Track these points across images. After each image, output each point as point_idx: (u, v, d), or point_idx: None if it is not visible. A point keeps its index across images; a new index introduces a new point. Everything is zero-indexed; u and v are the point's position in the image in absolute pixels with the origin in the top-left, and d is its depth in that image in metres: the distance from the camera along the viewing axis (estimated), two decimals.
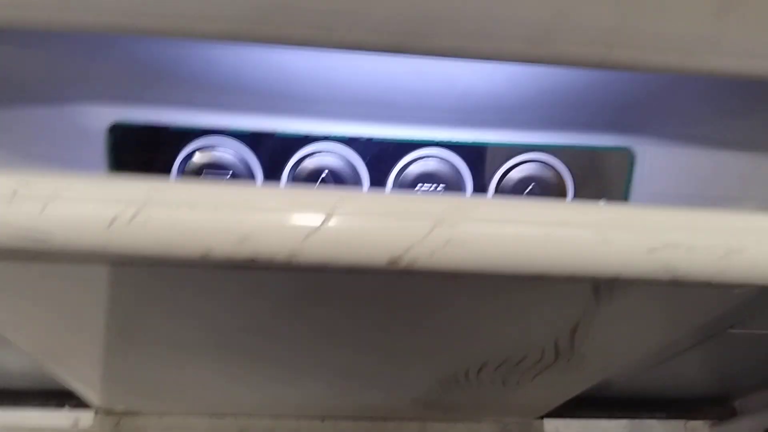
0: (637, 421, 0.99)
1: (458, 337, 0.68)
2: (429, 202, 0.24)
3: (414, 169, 0.42)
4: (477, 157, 0.42)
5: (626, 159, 0.43)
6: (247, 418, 0.87)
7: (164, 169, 0.40)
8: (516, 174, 0.43)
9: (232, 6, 0.26)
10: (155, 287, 0.35)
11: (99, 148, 0.40)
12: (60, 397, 0.78)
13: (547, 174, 0.43)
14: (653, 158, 0.43)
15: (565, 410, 0.93)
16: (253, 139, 0.40)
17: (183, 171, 0.40)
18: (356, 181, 0.42)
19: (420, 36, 0.27)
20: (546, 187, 0.43)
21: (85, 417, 0.77)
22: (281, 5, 0.26)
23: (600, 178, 0.43)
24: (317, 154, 0.41)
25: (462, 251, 0.24)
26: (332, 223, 0.24)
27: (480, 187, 0.43)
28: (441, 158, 0.42)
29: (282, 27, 0.26)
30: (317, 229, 0.24)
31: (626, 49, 0.28)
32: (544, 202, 0.25)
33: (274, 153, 0.41)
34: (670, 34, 0.26)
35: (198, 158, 0.40)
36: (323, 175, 0.41)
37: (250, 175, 0.41)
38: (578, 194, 0.44)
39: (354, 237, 0.24)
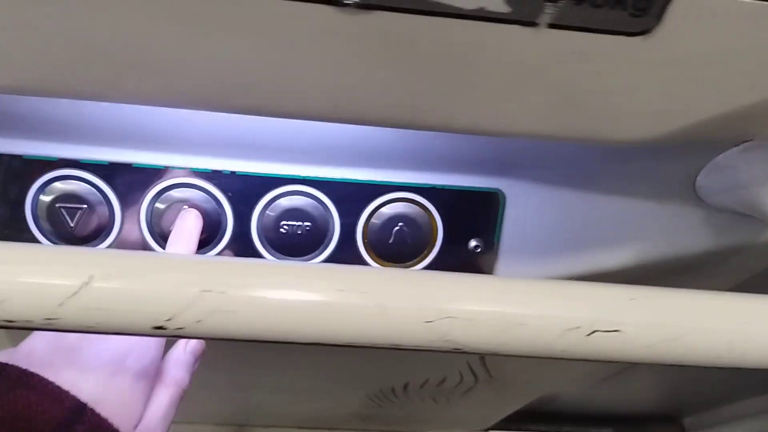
0: None
1: (366, 363, 0.68)
2: (195, 265, 0.24)
3: (279, 206, 0.41)
4: (344, 194, 0.42)
5: (497, 200, 0.43)
6: (189, 425, 0.86)
7: (18, 200, 0.39)
8: (384, 213, 0.42)
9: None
10: None
11: None
12: None
13: (417, 213, 0.42)
14: (524, 200, 0.43)
15: (512, 423, 0.93)
16: (109, 171, 0.39)
17: (37, 203, 0.39)
18: (219, 215, 0.41)
19: (234, 97, 0.27)
20: (415, 227, 0.43)
21: None
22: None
23: (470, 218, 0.43)
24: (177, 188, 0.40)
25: (229, 319, 0.23)
26: (93, 286, 0.23)
27: (348, 225, 0.42)
28: (307, 195, 0.41)
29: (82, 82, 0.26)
30: (75, 293, 0.23)
31: (431, 113, 0.27)
32: (322, 267, 0.25)
33: (131, 185, 0.40)
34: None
35: (52, 190, 0.39)
36: (183, 209, 0.41)
37: (108, 208, 0.40)
38: (448, 234, 0.43)
39: (116, 303, 0.23)
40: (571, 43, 0.24)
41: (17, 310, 0.22)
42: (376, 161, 0.41)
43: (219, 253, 0.42)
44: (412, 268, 0.25)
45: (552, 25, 0.24)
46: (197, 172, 0.40)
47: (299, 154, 0.41)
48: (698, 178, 0.40)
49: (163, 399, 0.35)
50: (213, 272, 0.24)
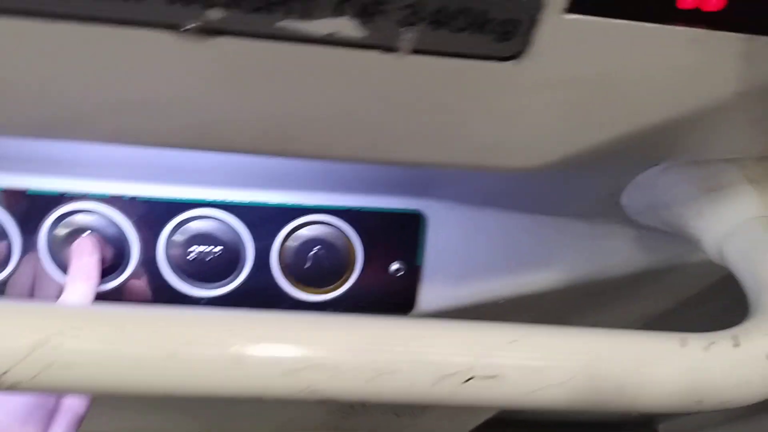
0: None
1: None
2: (33, 319, 0.22)
3: (186, 231, 0.39)
4: (256, 218, 0.40)
5: (418, 222, 0.41)
6: None
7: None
8: (300, 236, 0.40)
9: None
10: None
11: None
12: None
13: (334, 236, 0.41)
14: (446, 221, 0.41)
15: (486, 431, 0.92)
16: (3, 198, 0.37)
17: None
18: (123, 242, 0.39)
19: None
20: (332, 250, 0.41)
21: None
22: None
23: (391, 240, 0.41)
24: (78, 214, 0.38)
25: (69, 374, 0.21)
26: None
27: (262, 250, 0.40)
28: (217, 219, 0.39)
29: None
30: None
31: (301, 141, 0.25)
32: (167, 312, 0.23)
33: (29, 213, 0.38)
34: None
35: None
36: (86, 234, 0.38)
37: (5, 236, 0.38)
38: (368, 257, 0.41)
39: None
40: (439, 69, 0.23)
41: None
42: (289, 183, 0.39)
43: (125, 282, 0.40)
44: (276, 311, 0.23)
45: (415, 51, 0.22)
46: (97, 197, 0.38)
47: (207, 177, 0.39)
48: (622, 197, 0.39)
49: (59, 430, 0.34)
50: (49, 322, 0.22)
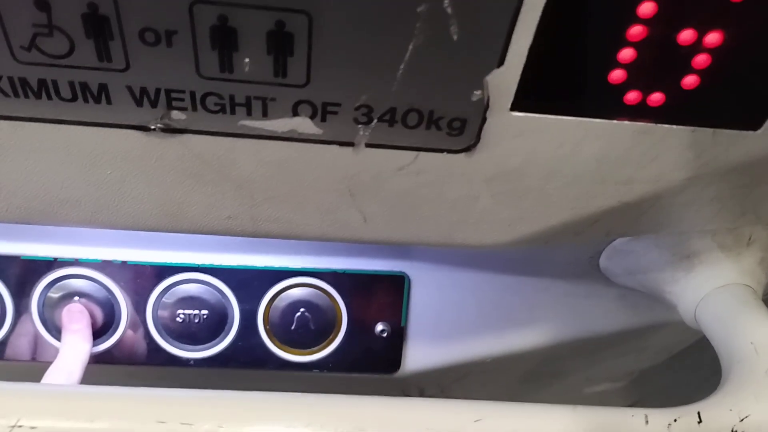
0: None
1: None
2: (9, 398, 0.23)
3: (174, 294, 0.40)
4: (241, 281, 0.41)
5: (402, 283, 0.42)
6: None
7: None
8: (285, 298, 0.41)
9: None
10: None
11: None
12: None
13: (319, 298, 0.41)
14: (430, 282, 0.42)
15: None
16: None
17: None
18: (113, 305, 0.40)
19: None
20: (318, 312, 0.42)
21: None
22: None
23: (375, 302, 0.42)
24: (69, 278, 0.39)
25: None
26: None
27: (248, 312, 0.41)
28: (203, 282, 0.40)
29: None
30: None
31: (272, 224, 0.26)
32: (134, 391, 0.23)
33: (21, 278, 0.39)
34: None
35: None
36: (76, 300, 0.40)
37: None
38: (353, 319, 0.42)
39: None
40: (395, 160, 0.24)
41: None
42: (273, 246, 0.40)
43: (116, 344, 0.41)
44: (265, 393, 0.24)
45: (370, 145, 0.23)
46: (87, 262, 0.39)
47: (193, 242, 0.40)
48: (600, 260, 0.39)
49: None
50: (20, 406, 0.22)
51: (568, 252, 0.39)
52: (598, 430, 0.25)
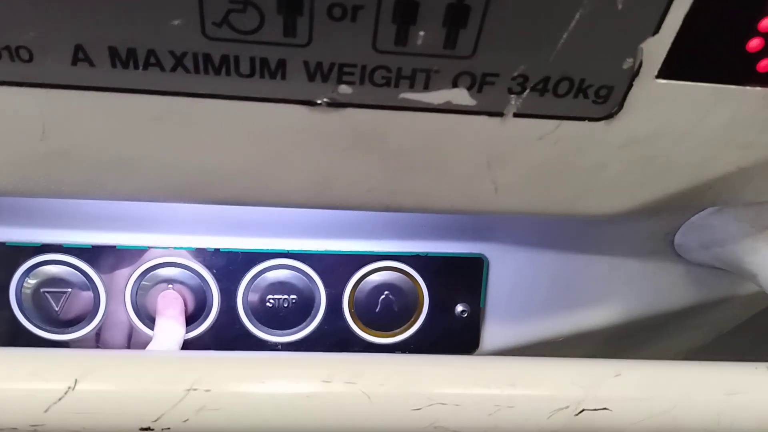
0: None
1: None
2: (179, 363, 0.24)
3: (264, 280, 0.41)
4: (327, 266, 0.42)
5: (480, 265, 0.43)
6: None
7: (2, 286, 0.39)
8: (369, 282, 0.42)
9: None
10: None
11: None
12: None
13: (401, 281, 0.43)
14: (507, 264, 0.44)
15: None
16: (92, 254, 0.39)
17: (21, 289, 0.39)
18: (205, 293, 0.41)
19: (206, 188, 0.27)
20: (401, 295, 0.43)
21: None
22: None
23: (455, 284, 0.43)
24: (163, 267, 0.41)
25: (217, 417, 0.23)
26: (78, 390, 0.23)
27: (334, 296, 0.42)
28: (292, 268, 0.42)
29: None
30: (61, 398, 0.23)
31: (408, 196, 0.28)
32: (305, 357, 0.25)
33: (115, 267, 0.40)
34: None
35: (36, 275, 0.39)
36: (170, 287, 0.41)
37: (93, 291, 0.40)
38: (434, 301, 0.43)
39: (101, 406, 0.23)
40: (538, 129, 0.25)
41: (2, 417, 0.22)
42: (358, 232, 0.42)
43: (207, 330, 0.42)
44: (396, 354, 0.25)
45: (518, 114, 0.24)
46: (181, 250, 0.40)
47: (282, 228, 0.41)
48: (676, 236, 0.41)
49: None
50: (196, 369, 0.24)
51: (644, 228, 0.41)
52: (727, 380, 0.26)
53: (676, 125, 0.25)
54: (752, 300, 0.45)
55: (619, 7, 0.21)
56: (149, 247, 0.40)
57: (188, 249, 0.40)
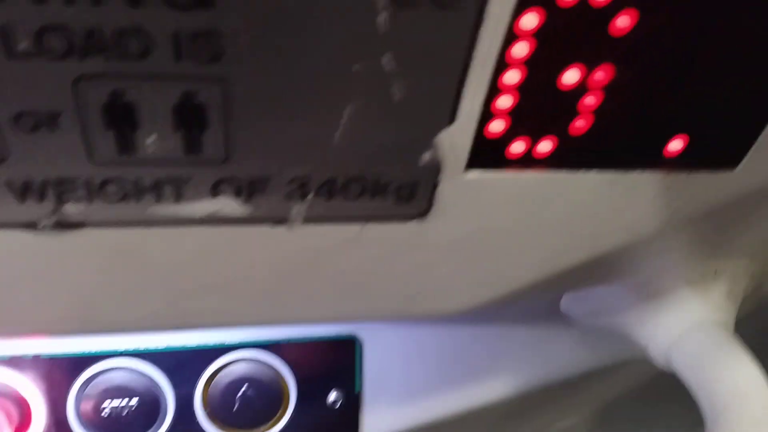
0: None
1: None
2: None
3: (97, 386, 0.36)
4: (173, 363, 0.36)
5: (352, 347, 0.38)
6: None
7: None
8: (224, 377, 0.37)
9: None
10: None
11: None
12: None
13: (262, 373, 0.37)
14: (383, 342, 0.39)
15: None
16: None
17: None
18: (29, 404, 0.35)
19: None
20: (262, 388, 0.38)
21: None
22: None
23: (324, 370, 0.38)
24: None
25: None
26: None
27: (184, 397, 0.37)
28: (130, 369, 0.36)
29: None
30: None
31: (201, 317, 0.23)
32: None
33: None
34: None
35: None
36: None
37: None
38: (302, 391, 0.38)
39: None
40: (339, 234, 0.20)
41: None
42: None
43: None
44: None
45: (309, 220, 0.20)
46: None
47: None
48: (561, 303, 0.37)
49: None
50: None
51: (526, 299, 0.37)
52: None
53: (506, 219, 0.21)
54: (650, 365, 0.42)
55: (398, 97, 0.17)
56: None
57: (2, 358, 0.34)
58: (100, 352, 0.35)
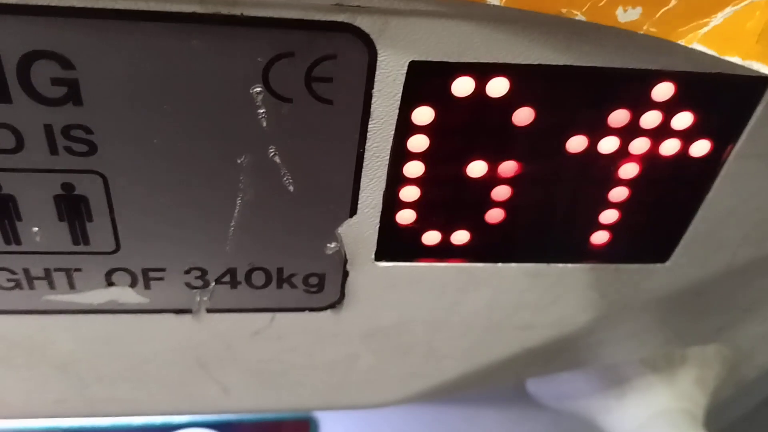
0: None
1: None
2: None
3: None
4: None
5: (307, 428, 0.37)
6: None
7: None
8: None
9: None
10: None
11: None
12: None
13: None
14: (339, 422, 0.37)
15: None
16: None
17: None
18: None
19: None
20: None
21: None
22: None
23: None
24: None
25: None
26: None
27: None
28: None
29: None
30: None
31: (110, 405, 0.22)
32: None
33: None
34: None
35: None
36: None
37: None
38: None
39: None
40: (249, 323, 0.19)
41: None
42: None
43: None
44: None
45: (213, 310, 0.19)
46: None
47: None
48: (527, 386, 0.35)
49: None
50: None
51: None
52: None
53: (425, 310, 0.20)
54: None
55: (292, 190, 0.16)
56: None
57: None
58: (40, 429, 0.34)
